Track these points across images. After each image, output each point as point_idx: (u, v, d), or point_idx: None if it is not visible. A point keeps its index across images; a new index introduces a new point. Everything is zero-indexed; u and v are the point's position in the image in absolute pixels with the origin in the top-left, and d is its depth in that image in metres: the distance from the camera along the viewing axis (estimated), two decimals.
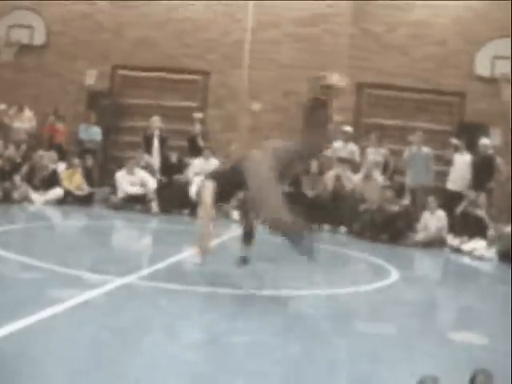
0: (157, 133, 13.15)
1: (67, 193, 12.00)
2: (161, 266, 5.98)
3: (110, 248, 7.87)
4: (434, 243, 10.51)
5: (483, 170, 11.48)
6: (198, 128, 13.41)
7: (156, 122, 13.18)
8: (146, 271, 5.66)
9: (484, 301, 6.40)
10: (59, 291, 4.42)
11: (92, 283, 4.83)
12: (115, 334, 3.63)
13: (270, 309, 4.81)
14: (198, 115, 13.62)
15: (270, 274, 6.09)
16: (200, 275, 5.65)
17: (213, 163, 12.51)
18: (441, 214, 10.76)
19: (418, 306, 5.66)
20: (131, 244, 8.64)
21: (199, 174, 12.38)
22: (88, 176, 12.69)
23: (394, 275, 6.92)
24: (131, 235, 9.77)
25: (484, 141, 11.82)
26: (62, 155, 13.01)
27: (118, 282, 4.93)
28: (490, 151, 11.78)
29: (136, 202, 12.00)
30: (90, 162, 12.93)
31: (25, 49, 14.80)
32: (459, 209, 10.89)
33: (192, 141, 13.38)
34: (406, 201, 11.63)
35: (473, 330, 4.77)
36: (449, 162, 12.15)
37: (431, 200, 10.89)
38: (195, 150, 13.15)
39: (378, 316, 5.01)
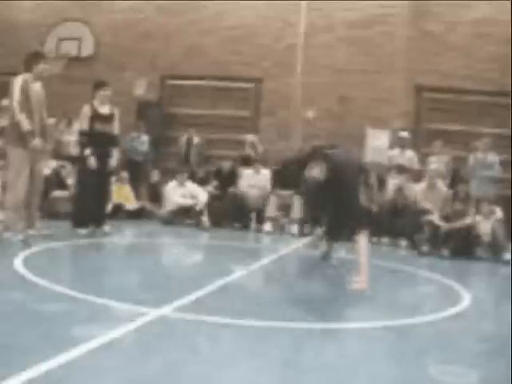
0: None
1: (117, 207, 11.69)
2: (205, 292, 5.39)
3: (151, 270, 7.21)
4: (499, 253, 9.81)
5: None
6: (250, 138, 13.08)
7: None
8: (186, 299, 5.04)
9: None
10: (82, 328, 3.88)
11: (121, 316, 4.32)
12: None
13: (320, 346, 4.16)
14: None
15: (322, 303, 5.48)
16: (250, 303, 5.07)
17: (263, 174, 12.13)
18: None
19: (502, 341, 4.55)
20: (176, 265, 8.08)
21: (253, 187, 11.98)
22: (136, 189, 12.40)
23: (466, 298, 6.17)
24: (177, 254, 9.15)
25: None
26: None
27: (153, 314, 4.38)
28: None
29: (186, 216, 11.58)
30: (138, 174, 12.66)
31: (73, 60, 14.64)
32: None
33: (244, 158, 13.01)
34: (471, 212, 10.87)
35: None
36: None
37: (493, 209, 10.22)
38: (247, 163, 12.76)
39: (450, 356, 4.08)
